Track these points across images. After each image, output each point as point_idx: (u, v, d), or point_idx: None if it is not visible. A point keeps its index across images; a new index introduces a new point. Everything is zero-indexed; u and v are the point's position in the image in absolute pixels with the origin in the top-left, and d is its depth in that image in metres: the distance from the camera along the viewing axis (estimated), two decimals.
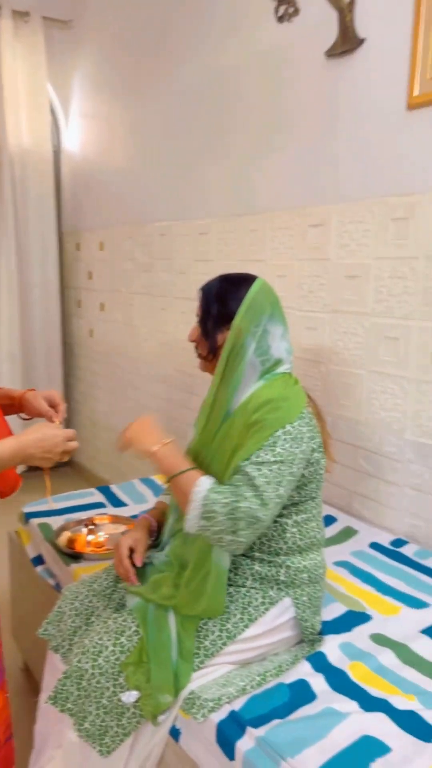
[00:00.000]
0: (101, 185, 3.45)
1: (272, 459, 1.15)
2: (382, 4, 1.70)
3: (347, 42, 1.82)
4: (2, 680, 1.26)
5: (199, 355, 1.35)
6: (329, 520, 1.87)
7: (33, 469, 3.53)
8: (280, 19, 2.05)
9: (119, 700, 1.13)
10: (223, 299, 1.26)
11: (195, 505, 1.14)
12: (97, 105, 3.44)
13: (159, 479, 2.23)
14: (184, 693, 1.14)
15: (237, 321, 1.23)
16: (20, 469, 1.36)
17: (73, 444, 1.18)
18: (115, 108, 3.22)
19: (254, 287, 1.25)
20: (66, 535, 1.77)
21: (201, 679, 1.17)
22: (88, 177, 3.61)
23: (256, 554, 1.24)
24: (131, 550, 1.35)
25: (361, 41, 1.78)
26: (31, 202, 3.59)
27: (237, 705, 1.11)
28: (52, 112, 3.73)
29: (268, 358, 1.25)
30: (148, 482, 2.24)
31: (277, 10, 2.06)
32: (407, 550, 1.69)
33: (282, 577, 1.24)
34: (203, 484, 1.16)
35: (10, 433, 1.32)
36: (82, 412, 3.94)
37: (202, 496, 1.14)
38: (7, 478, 1.22)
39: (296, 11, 1.99)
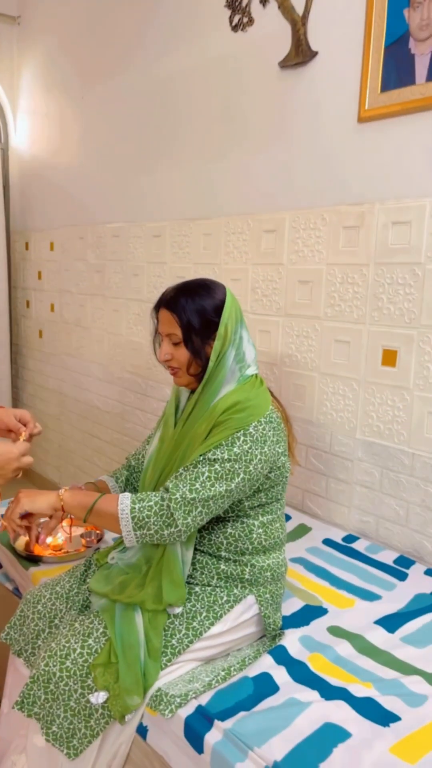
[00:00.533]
0: (52, 185, 3.40)
1: (227, 457, 1.19)
2: (335, 18, 1.76)
3: (300, 54, 1.88)
4: None
5: (187, 372, 1.31)
6: (285, 518, 1.92)
7: None
8: (234, 28, 2.09)
9: (87, 701, 1.14)
10: (201, 311, 1.27)
11: (125, 521, 1.19)
12: (46, 103, 3.39)
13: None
14: (151, 690, 1.16)
15: (222, 330, 1.25)
16: None
17: (27, 459, 1.20)
18: (66, 107, 3.19)
19: (229, 296, 1.29)
20: (23, 539, 1.75)
21: (167, 677, 1.19)
22: (38, 176, 3.55)
23: (223, 554, 1.28)
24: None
25: (314, 54, 1.84)
26: None
27: (203, 699, 1.14)
28: (0, 109, 3.65)
29: (244, 364, 1.29)
30: None
31: (231, 19, 2.10)
32: (359, 546, 1.76)
33: (246, 576, 1.28)
34: (124, 499, 1.21)
35: None
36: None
37: (128, 509, 1.19)
38: None
39: (250, 21, 2.04)
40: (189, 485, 1.18)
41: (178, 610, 1.24)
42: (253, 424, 1.22)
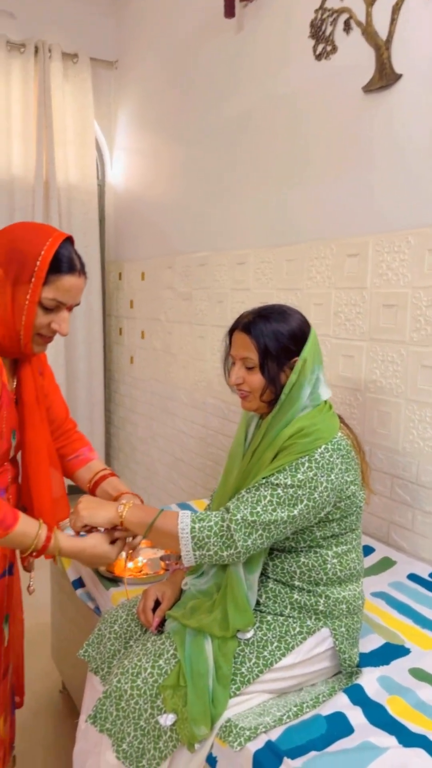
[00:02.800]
0: (143, 217, 3.56)
1: (290, 482, 1.17)
2: (419, 40, 1.74)
3: (384, 77, 1.86)
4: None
5: (259, 398, 1.30)
6: (367, 550, 1.85)
7: (74, 491, 3.62)
8: (318, 57, 2.11)
9: (157, 722, 1.14)
10: (279, 336, 1.25)
11: (185, 540, 1.19)
12: (139, 140, 3.57)
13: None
14: (221, 721, 1.14)
15: (300, 364, 1.25)
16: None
17: (121, 563, 1.28)
18: (157, 143, 3.34)
19: (312, 333, 1.29)
20: None
21: (237, 707, 1.17)
22: (131, 209, 3.73)
23: (296, 583, 1.25)
24: (157, 602, 1.38)
25: (398, 77, 1.82)
26: (77, 234, 3.72)
27: (274, 735, 1.11)
28: (98, 147, 3.89)
29: (317, 403, 1.28)
30: (185, 507, 2.26)
31: (315, 49, 2.13)
32: None
33: (321, 607, 1.24)
34: (184, 518, 1.21)
35: (63, 403, 1.43)
36: (120, 436, 4.01)
37: (189, 528, 1.19)
38: (60, 510, 1.29)
39: (334, 49, 2.05)
40: (250, 508, 1.17)
41: (249, 635, 1.22)
42: (319, 450, 1.19)
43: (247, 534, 1.16)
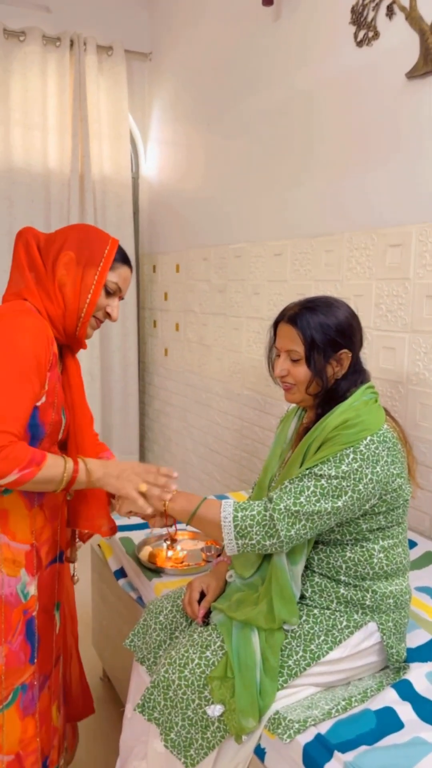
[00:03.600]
0: (177, 209, 3.56)
1: (334, 474, 1.16)
2: None
3: (429, 63, 1.82)
4: (32, 707, 1.32)
5: (305, 391, 1.29)
6: (410, 544, 1.83)
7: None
8: (359, 43, 2.07)
9: (204, 713, 1.15)
10: (326, 329, 1.25)
11: (227, 529, 1.19)
12: (174, 132, 3.56)
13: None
14: (269, 713, 1.14)
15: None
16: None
17: (143, 486, 1.23)
18: (192, 135, 3.33)
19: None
20: (147, 550, 1.82)
21: (285, 699, 1.17)
22: (165, 202, 3.73)
23: (342, 578, 1.24)
24: (202, 594, 1.39)
25: None
26: (111, 227, 3.74)
27: (323, 728, 1.11)
28: (132, 140, 3.89)
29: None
30: (221, 498, 2.26)
31: (356, 35, 2.09)
32: None
33: (368, 602, 1.23)
34: (227, 507, 1.21)
35: (90, 414, 1.44)
36: (156, 428, 4.04)
37: (231, 517, 1.19)
38: (106, 519, 1.35)
39: (376, 35, 2.01)
40: (293, 498, 1.16)
41: (295, 626, 1.22)
42: (365, 442, 1.17)
43: (290, 524, 1.16)
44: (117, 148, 3.69)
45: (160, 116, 3.74)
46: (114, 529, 1.39)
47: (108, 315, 1.34)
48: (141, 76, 3.83)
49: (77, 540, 1.48)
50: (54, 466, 1.16)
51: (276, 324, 1.34)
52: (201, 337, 3.34)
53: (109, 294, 1.32)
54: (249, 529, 1.18)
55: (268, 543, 1.18)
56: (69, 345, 1.36)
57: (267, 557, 1.29)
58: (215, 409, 3.24)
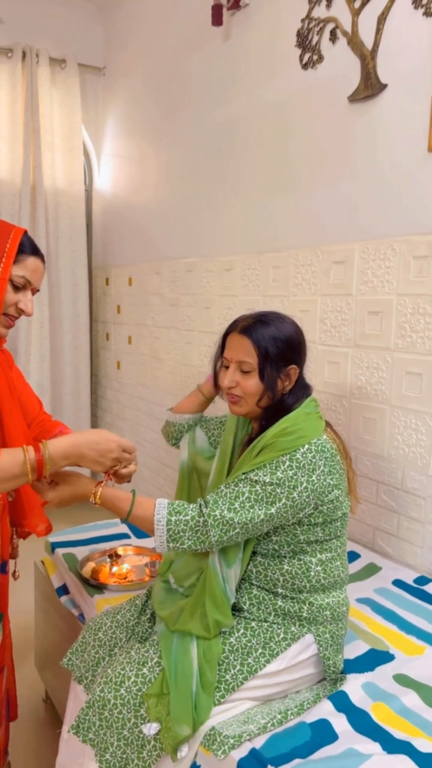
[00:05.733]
0: (130, 223, 3.56)
1: (268, 480, 1.17)
2: (403, 50, 1.76)
3: (369, 87, 1.88)
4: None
5: (255, 404, 1.29)
6: (352, 556, 1.86)
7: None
8: (305, 66, 2.13)
9: (140, 731, 1.13)
10: (278, 342, 1.25)
11: (160, 532, 1.19)
12: (127, 146, 3.57)
13: None
14: (205, 728, 1.14)
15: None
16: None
17: (127, 456, 1.19)
18: (145, 149, 3.35)
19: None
20: (90, 566, 1.79)
21: (221, 715, 1.17)
22: (118, 214, 3.73)
23: (279, 590, 1.25)
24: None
25: (383, 86, 1.84)
26: (63, 239, 3.71)
27: (258, 743, 1.11)
28: (86, 153, 3.88)
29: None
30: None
31: (301, 58, 2.14)
32: (431, 588, 1.67)
33: (305, 614, 1.24)
34: (161, 509, 1.20)
35: (35, 397, 1.42)
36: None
37: (165, 521, 1.18)
38: (40, 519, 1.28)
39: (320, 58, 2.07)
40: (228, 503, 1.17)
41: (229, 627, 1.23)
42: (302, 450, 1.18)
43: (223, 531, 1.17)
44: (70, 160, 3.67)
45: (113, 130, 3.75)
46: (49, 528, 1.36)
47: (21, 311, 1.27)
48: (95, 89, 3.83)
49: (15, 537, 1.43)
50: (12, 460, 1.09)
51: (226, 335, 1.33)
52: (154, 351, 3.34)
53: (17, 289, 1.25)
54: (181, 534, 1.18)
55: (198, 547, 1.19)
56: None
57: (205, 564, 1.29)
58: None
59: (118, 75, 3.67)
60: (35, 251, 1.28)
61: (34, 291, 1.30)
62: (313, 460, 1.19)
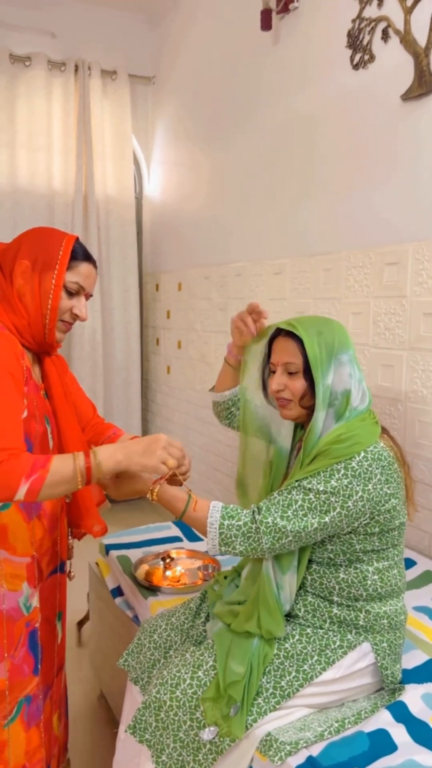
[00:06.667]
0: (179, 229, 3.60)
1: (322, 488, 1.16)
2: None
3: (423, 85, 1.85)
4: (37, 717, 1.31)
5: (299, 404, 1.28)
6: (408, 563, 1.81)
7: (115, 502, 3.64)
8: (356, 66, 2.11)
9: (196, 735, 1.14)
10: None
11: (212, 535, 1.19)
12: (176, 153, 3.62)
13: None
14: (261, 733, 1.13)
15: (344, 363, 1.24)
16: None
17: (172, 462, 1.18)
18: (194, 156, 3.38)
19: (350, 339, 1.27)
20: (144, 568, 1.81)
21: (278, 721, 1.16)
22: (168, 221, 3.77)
23: (335, 598, 1.23)
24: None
25: None
26: (114, 247, 3.78)
27: (315, 750, 1.09)
28: (136, 161, 3.95)
29: (358, 413, 1.26)
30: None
31: (352, 58, 2.12)
32: None
33: (361, 622, 1.22)
34: (214, 512, 1.20)
35: (89, 401, 1.48)
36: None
37: (217, 524, 1.19)
38: (96, 520, 1.31)
39: (372, 58, 2.05)
40: (281, 511, 1.16)
41: (289, 629, 1.22)
42: (357, 459, 1.16)
43: (275, 539, 1.16)
44: (120, 168, 3.75)
45: (162, 138, 3.80)
46: (104, 529, 1.39)
47: (76, 316, 1.29)
48: (144, 98, 3.90)
49: (71, 538, 1.46)
50: (63, 465, 1.12)
51: (271, 341, 1.33)
52: (203, 355, 3.36)
53: (71, 295, 1.28)
54: (233, 539, 1.18)
55: (250, 553, 1.19)
56: (44, 351, 1.34)
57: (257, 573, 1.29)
58: (216, 426, 3.24)
59: (167, 83, 3.72)
60: (87, 257, 1.30)
61: (88, 296, 1.32)
62: (369, 469, 1.17)
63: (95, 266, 1.32)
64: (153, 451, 1.17)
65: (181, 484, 1.30)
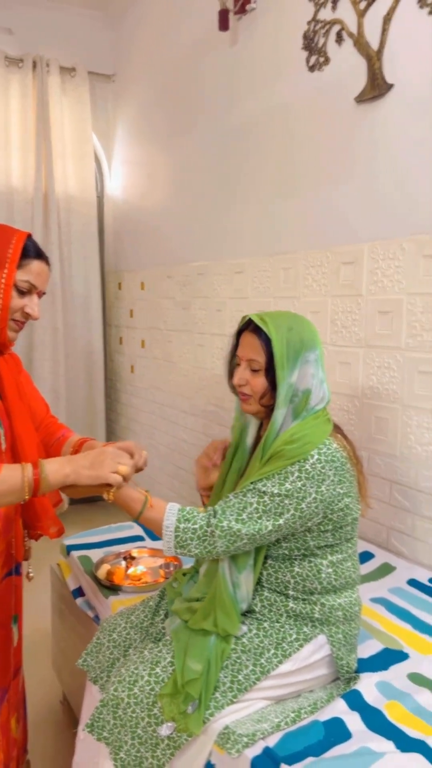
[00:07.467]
0: (142, 228, 3.59)
1: (277, 491, 1.17)
2: (409, 50, 1.76)
3: (376, 87, 1.88)
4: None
5: (258, 402, 1.29)
6: (367, 556, 1.86)
7: (74, 503, 3.59)
8: (311, 68, 2.14)
9: (154, 731, 1.14)
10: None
11: (168, 538, 1.20)
12: (137, 152, 3.61)
13: None
14: (218, 727, 1.14)
15: (310, 362, 1.25)
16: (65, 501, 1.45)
17: (124, 469, 1.18)
18: (155, 155, 3.37)
19: (318, 338, 1.29)
20: (105, 568, 1.81)
21: (235, 714, 1.17)
22: (130, 220, 3.76)
23: (291, 592, 1.25)
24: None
25: (390, 86, 1.84)
26: (76, 245, 3.75)
27: (271, 741, 1.11)
28: (96, 159, 3.93)
29: (316, 403, 1.27)
30: None
31: (308, 60, 2.15)
32: None
33: (317, 615, 1.24)
34: (170, 515, 1.21)
35: (43, 400, 1.46)
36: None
37: (173, 527, 1.20)
38: (53, 521, 1.30)
39: (327, 60, 2.08)
40: (236, 514, 1.17)
41: (245, 628, 1.23)
42: (311, 461, 1.18)
43: (230, 542, 1.18)
44: (81, 167, 3.72)
45: (123, 136, 3.79)
46: (61, 530, 1.38)
47: (28, 315, 1.27)
48: (104, 96, 3.87)
49: (27, 539, 1.44)
50: (10, 477, 1.12)
51: (239, 333, 1.33)
52: (167, 354, 3.36)
53: (23, 293, 1.25)
54: (189, 541, 1.19)
55: (205, 555, 1.21)
56: None
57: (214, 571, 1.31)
58: (181, 425, 3.24)
59: (127, 82, 3.71)
60: (39, 255, 1.28)
61: (40, 294, 1.30)
62: (323, 471, 1.18)
63: (48, 264, 1.30)
64: (101, 463, 1.18)
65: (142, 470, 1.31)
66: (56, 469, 1.16)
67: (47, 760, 1.83)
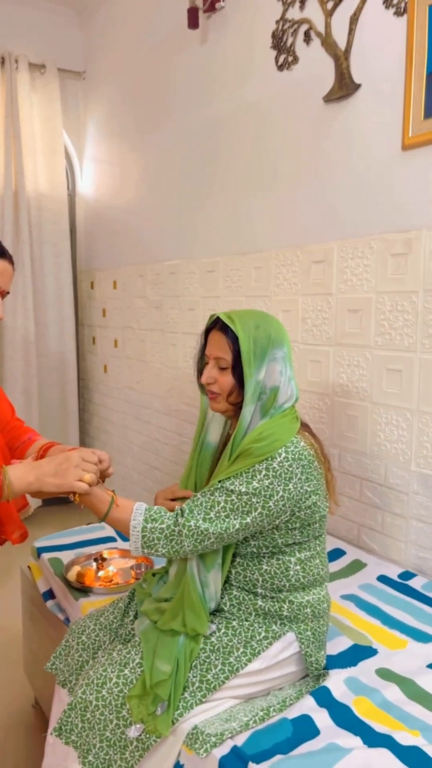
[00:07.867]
0: (114, 226, 3.56)
1: (244, 490, 1.17)
2: (376, 50, 1.77)
3: (344, 87, 1.90)
4: None
5: (226, 399, 1.29)
6: (338, 553, 1.87)
7: (46, 504, 3.55)
8: (280, 67, 2.14)
9: (123, 733, 1.14)
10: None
11: (135, 537, 1.20)
12: (109, 150, 3.58)
13: None
14: (187, 727, 1.14)
15: (277, 360, 1.25)
16: (34, 503, 1.42)
17: (88, 477, 1.17)
18: (126, 152, 3.35)
19: (287, 335, 1.28)
20: (76, 570, 1.79)
21: (204, 714, 1.17)
22: (102, 218, 3.73)
23: (259, 590, 1.25)
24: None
25: (357, 86, 1.85)
26: (47, 244, 3.71)
27: (240, 740, 1.11)
28: (67, 157, 3.88)
29: (284, 402, 1.27)
30: None
31: (277, 59, 2.16)
32: (415, 583, 1.68)
33: (285, 612, 1.24)
34: (137, 515, 1.20)
35: (10, 405, 1.44)
36: (96, 446, 3.99)
37: (140, 527, 1.19)
38: (16, 526, 1.28)
39: (295, 59, 2.08)
40: (204, 513, 1.17)
41: (214, 627, 1.23)
42: (278, 459, 1.18)
43: (198, 541, 1.18)
44: (52, 165, 3.67)
45: (94, 134, 3.75)
46: (24, 535, 1.36)
47: None
48: (75, 94, 3.84)
49: None
50: None
51: (207, 331, 1.33)
52: (140, 354, 3.34)
53: None
54: (156, 541, 1.19)
55: (173, 555, 1.21)
56: None
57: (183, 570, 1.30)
58: (154, 425, 3.23)
59: (98, 79, 3.67)
60: (2, 253, 1.25)
61: (4, 294, 1.28)
62: (290, 469, 1.19)
63: (11, 262, 1.28)
64: (65, 471, 1.17)
65: (108, 476, 1.30)
66: (20, 476, 1.15)
67: (19, 765, 1.81)
